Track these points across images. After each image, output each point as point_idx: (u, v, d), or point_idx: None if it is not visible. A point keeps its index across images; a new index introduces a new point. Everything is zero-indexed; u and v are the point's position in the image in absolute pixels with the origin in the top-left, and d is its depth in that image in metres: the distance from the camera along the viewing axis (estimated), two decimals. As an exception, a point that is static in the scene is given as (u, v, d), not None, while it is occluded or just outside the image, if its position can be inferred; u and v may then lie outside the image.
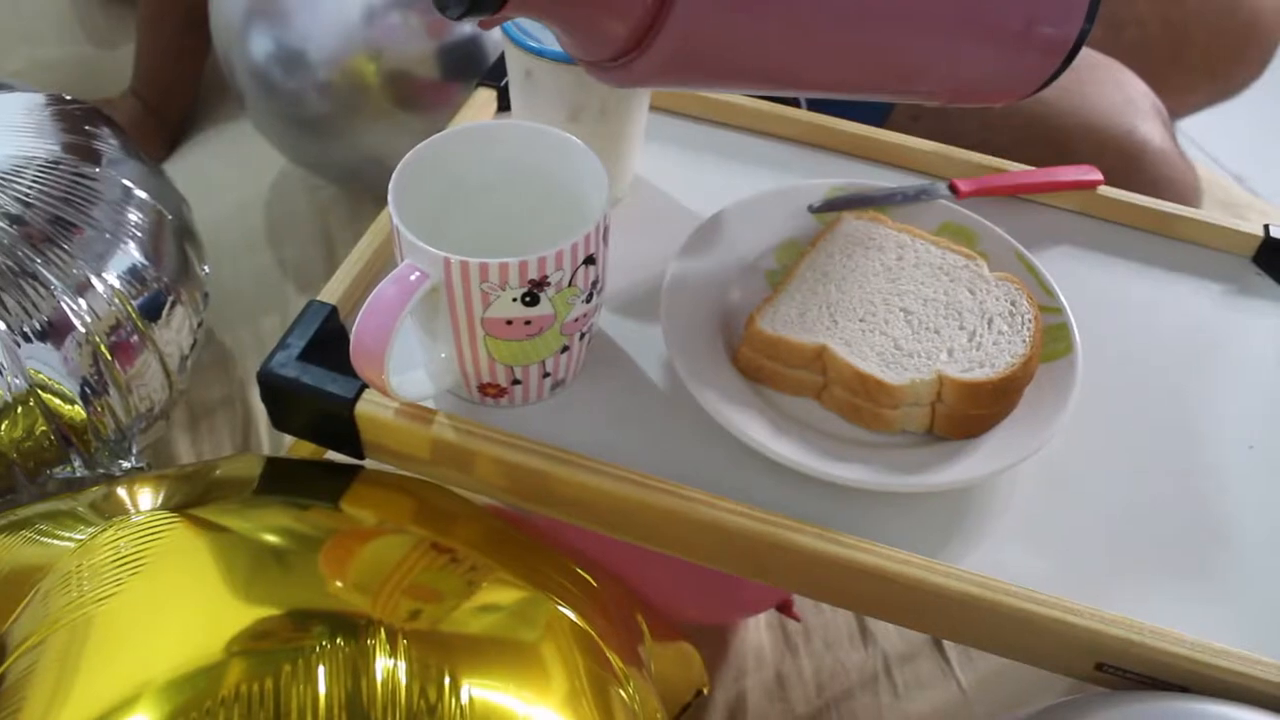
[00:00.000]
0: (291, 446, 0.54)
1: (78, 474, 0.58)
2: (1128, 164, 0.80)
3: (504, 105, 0.66)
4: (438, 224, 0.49)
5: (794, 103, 0.84)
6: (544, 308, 0.46)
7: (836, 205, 0.59)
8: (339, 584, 0.43)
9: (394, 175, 0.47)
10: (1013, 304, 0.53)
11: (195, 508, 0.45)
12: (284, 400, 0.51)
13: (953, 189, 0.61)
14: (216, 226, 0.87)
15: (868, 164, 0.65)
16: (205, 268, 0.70)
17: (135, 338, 0.59)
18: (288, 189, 0.90)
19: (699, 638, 0.62)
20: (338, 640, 0.38)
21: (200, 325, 0.66)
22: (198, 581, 0.41)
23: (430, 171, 0.49)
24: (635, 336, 0.55)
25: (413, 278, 0.45)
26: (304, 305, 0.54)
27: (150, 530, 0.42)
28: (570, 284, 0.46)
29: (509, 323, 0.46)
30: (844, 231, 0.56)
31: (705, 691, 0.58)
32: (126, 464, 0.60)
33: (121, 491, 0.48)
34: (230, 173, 0.92)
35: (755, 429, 0.49)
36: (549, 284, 0.45)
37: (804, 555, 0.46)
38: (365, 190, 0.82)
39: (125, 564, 0.41)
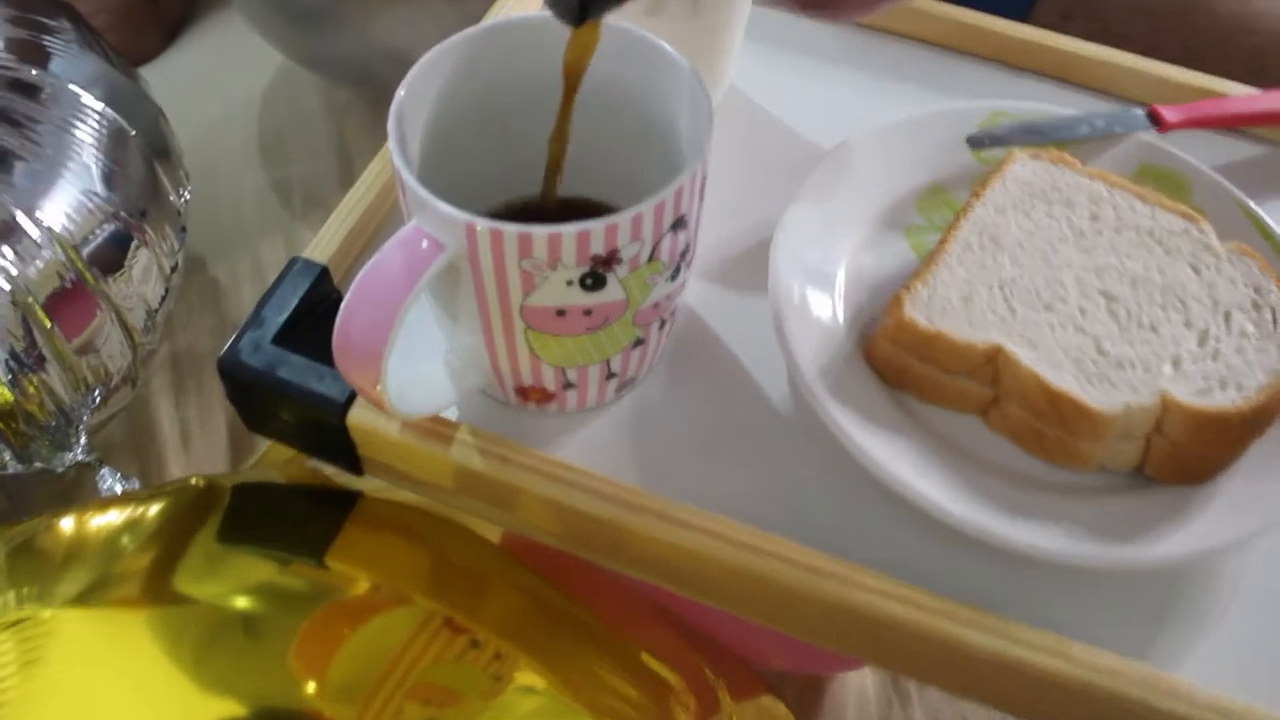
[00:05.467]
0: (268, 451, 0.41)
1: (9, 469, 0.46)
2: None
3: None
4: (462, 167, 0.35)
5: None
6: (612, 292, 0.32)
7: (1002, 138, 0.44)
8: (313, 687, 0.30)
9: (396, 97, 0.33)
10: (1257, 290, 0.38)
11: (126, 576, 0.33)
12: (255, 398, 0.38)
13: (1154, 118, 0.46)
14: (212, 135, 0.73)
15: (1030, 77, 0.50)
16: (185, 194, 0.56)
17: (84, 294, 0.46)
18: (297, 90, 0.76)
19: (787, 682, 0.49)
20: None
21: (175, 270, 0.53)
22: (111, 688, 0.29)
23: (451, 90, 0.35)
24: (731, 312, 0.41)
25: (423, 247, 0.31)
26: (288, 262, 0.40)
27: (43, 634, 0.30)
28: (651, 259, 0.32)
29: (561, 313, 0.32)
30: (1017, 177, 0.41)
31: (797, 756, 0.46)
32: (71, 455, 0.47)
33: (47, 540, 0.36)
34: (230, 70, 0.77)
35: (893, 458, 0.35)
36: (620, 261, 0.31)
37: (974, 657, 0.33)
38: (386, 92, 0.67)
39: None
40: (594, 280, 0.31)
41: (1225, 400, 0.35)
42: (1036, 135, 0.44)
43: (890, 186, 0.43)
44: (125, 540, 0.34)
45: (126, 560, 0.35)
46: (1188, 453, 0.35)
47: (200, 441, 0.61)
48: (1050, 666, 0.32)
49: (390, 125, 0.32)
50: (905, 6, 0.49)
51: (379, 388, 0.31)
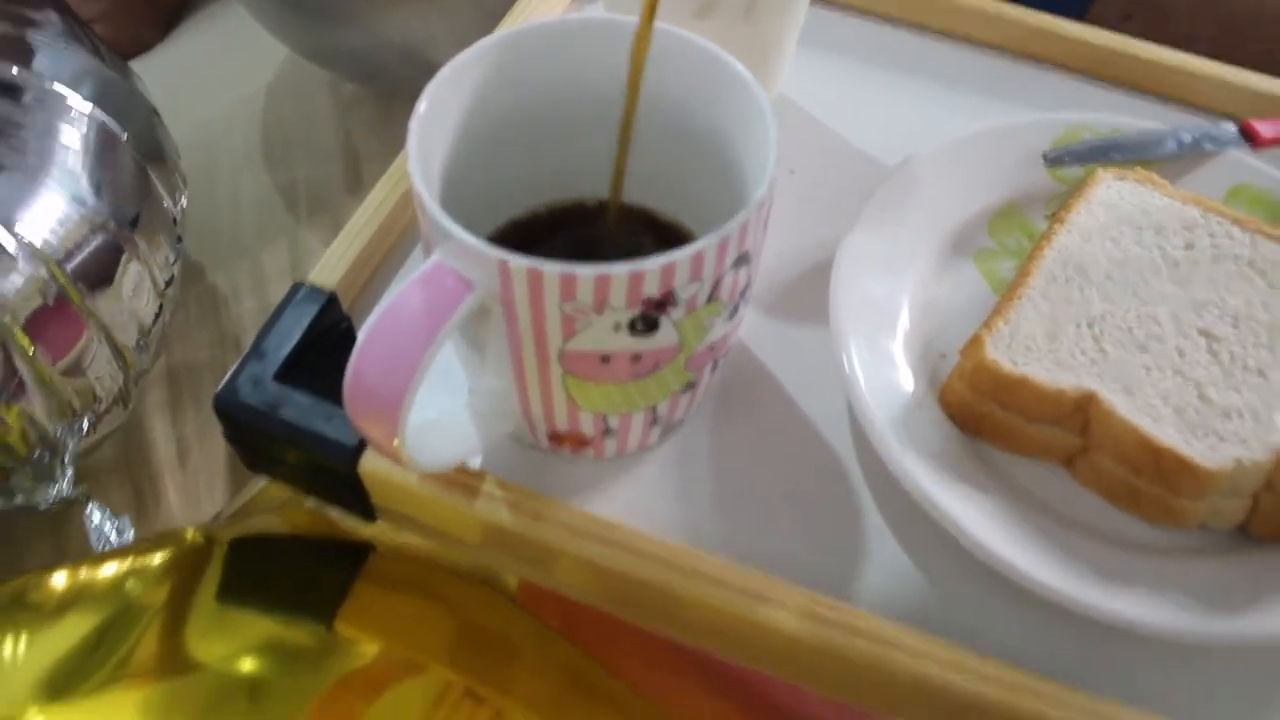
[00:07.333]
0: (266, 485, 0.38)
1: (-14, 506, 0.42)
2: None
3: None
4: (493, 175, 0.32)
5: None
6: (665, 337, 0.28)
7: (1082, 155, 0.40)
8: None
9: (416, 112, 0.29)
10: (1374, 328, 0.34)
11: (137, 650, 0.30)
12: (255, 440, 0.34)
13: (1246, 133, 0.42)
14: (211, 134, 0.69)
15: (1107, 87, 0.45)
16: (181, 200, 0.52)
17: (68, 313, 0.42)
18: (303, 85, 0.72)
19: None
20: None
21: (170, 283, 0.49)
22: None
23: (477, 102, 0.31)
24: (785, 345, 0.37)
25: (448, 287, 0.27)
26: (290, 288, 0.36)
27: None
28: (711, 299, 0.28)
29: (605, 359, 0.28)
30: (1102, 199, 0.37)
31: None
32: (56, 490, 0.43)
33: (37, 595, 0.32)
34: (232, 63, 0.73)
35: (970, 515, 0.32)
36: (676, 303, 0.27)
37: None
38: (397, 88, 0.63)
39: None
40: (645, 324, 0.27)
41: (1350, 458, 0.31)
42: (1119, 152, 0.40)
43: (959, 208, 0.39)
44: (125, 607, 0.30)
45: (136, 632, 0.31)
46: (1304, 515, 0.31)
47: (198, 459, 0.57)
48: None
49: (410, 144, 0.28)
50: (972, 9, 0.45)
51: (396, 442, 0.28)
